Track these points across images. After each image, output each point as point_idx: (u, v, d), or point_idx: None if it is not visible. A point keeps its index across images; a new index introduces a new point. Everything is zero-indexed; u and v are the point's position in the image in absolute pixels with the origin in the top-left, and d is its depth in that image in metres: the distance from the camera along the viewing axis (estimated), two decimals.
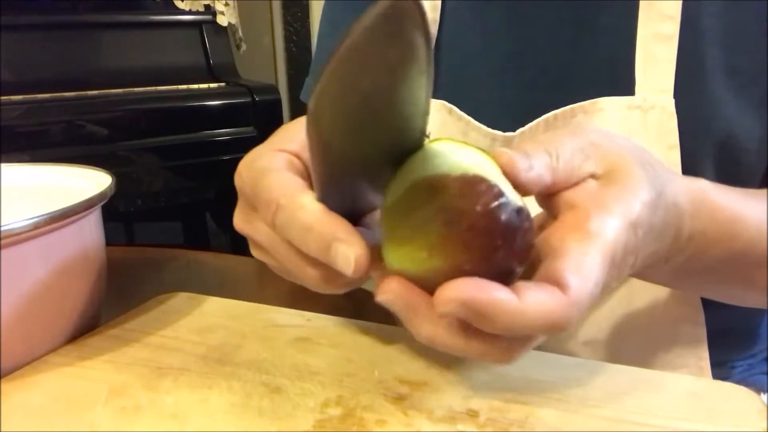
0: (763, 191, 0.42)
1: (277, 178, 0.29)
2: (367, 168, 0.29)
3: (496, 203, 0.25)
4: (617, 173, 0.30)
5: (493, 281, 0.25)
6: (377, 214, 0.32)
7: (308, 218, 0.27)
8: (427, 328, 0.27)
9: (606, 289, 0.28)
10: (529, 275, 0.27)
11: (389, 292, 0.27)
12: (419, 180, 0.27)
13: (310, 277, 0.30)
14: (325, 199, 0.28)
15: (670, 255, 0.35)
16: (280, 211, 0.28)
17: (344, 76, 0.23)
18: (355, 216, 0.29)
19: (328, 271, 0.29)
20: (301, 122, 0.32)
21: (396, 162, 0.29)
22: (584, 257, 0.26)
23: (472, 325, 0.26)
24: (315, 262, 0.29)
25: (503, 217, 0.25)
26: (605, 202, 0.29)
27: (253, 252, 0.34)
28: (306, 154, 0.31)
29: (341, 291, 0.31)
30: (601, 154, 0.31)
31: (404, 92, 0.26)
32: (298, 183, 0.29)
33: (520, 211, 0.26)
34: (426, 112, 0.28)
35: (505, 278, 0.25)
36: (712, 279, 0.42)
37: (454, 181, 0.26)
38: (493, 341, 0.27)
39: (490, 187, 0.25)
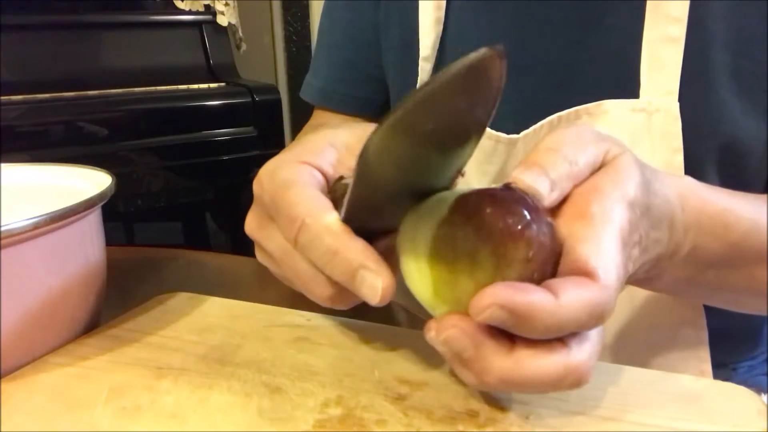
0: (752, 194, 0.42)
1: (301, 194, 0.29)
2: (398, 196, 0.29)
3: (531, 225, 0.25)
4: (610, 162, 0.30)
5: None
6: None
7: (334, 242, 0.27)
8: (500, 363, 0.25)
9: (623, 271, 0.28)
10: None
11: (450, 328, 0.25)
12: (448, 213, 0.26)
13: (321, 295, 0.30)
14: (349, 220, 0.28)
15: (671, 249, 0.35)
16: (305, 230, 0.28)
17: (415, 121, 0.24)
18: (368, 235, 0.29)
19: (341, 290, 0.29)
20: (325, 135, 0.32)
21: (430, 192, 0.29)
22: (599, 240, 0.26)
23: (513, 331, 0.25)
24: (330, 282, 0.29)
25: (541, 238, 0.25)
26: (601, 187, 0.29)
27: (260, 257, 0.34)
28: (329, 169, 0.31)
29: (346, 308, 0.31)
30: (603, 149, 0.31)
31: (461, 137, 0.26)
32: (323, 202, 0.29)
33: (550, 226, 0.26)
34: (471, 154, 0.28)
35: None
36: (714, 281, 0.42)
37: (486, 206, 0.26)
38: (555, 357, 0.25)
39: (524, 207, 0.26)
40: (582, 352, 0.25)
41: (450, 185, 0.30)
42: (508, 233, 0.25)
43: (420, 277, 0.27)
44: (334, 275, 0.28)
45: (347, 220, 0.28)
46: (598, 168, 0.30)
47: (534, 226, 0.25)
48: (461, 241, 0.25)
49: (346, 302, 0.30)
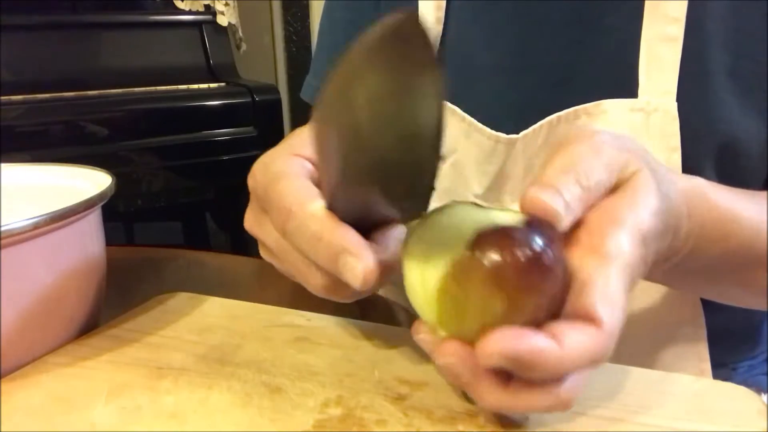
0: (758, 192, 0.42)
1: (290, 185, 0.29)
2: (378, 177, 0.29)
3: (548, 275, 0.25)
4: (628, 182, 0.30)
5: (529, 327, 0.25)
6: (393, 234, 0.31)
7: (318, 227, 0.27)
8: (496, 395, 0.26)
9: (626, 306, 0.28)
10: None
11: (449, 356, 0.26)
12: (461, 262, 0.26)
13: (316, 285, 0.30)
14: (335, 206, 0.28)
15: (669, 254, 0.35)
16: (291, 219, 0.28)
17: (355, 74, 0.24)
18: (365, 226, 0.29)
19: (335, 280, 0.29)
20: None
21: (409, 174, 0.29)
22: (608, 285, 0.26)
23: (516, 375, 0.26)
24: (323, 271, 0.29)
25: (555, 286, 0.26)
26: (617, 217, 0.28)
27: (263, 253, 0.34)
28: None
29: (348, 300, 0.31)
30: (620, 166, 0.30)
31: (414, 103, 0.26)
32: (311, 190, 0.29)
33: (563, 266, 0.26)
34: (440, 132, 0.28)
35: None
36: (708, 278, 0.42)
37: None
38: (548, 391, 0.26)
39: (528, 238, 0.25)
40: (574, 386, 0.26)
41: (436, 148, 0.29)
42: (526, 287, 0.25)
43: (426, 303, 0.27)
44: (319, 261, 0.28)
45: (334, 207, 0.28)
46: (614, 185, 0.30)
47: (551, 277, 0.25)
48: (475, 283, 0.25)
49: (342, 292, 0.30)
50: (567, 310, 0.26)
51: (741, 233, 0.38)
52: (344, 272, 0.27)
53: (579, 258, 0.27)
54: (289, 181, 0.30)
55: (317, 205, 0.28)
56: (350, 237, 0.27)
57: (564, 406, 0.26)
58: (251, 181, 0.32)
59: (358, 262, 0.27)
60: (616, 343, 0.26)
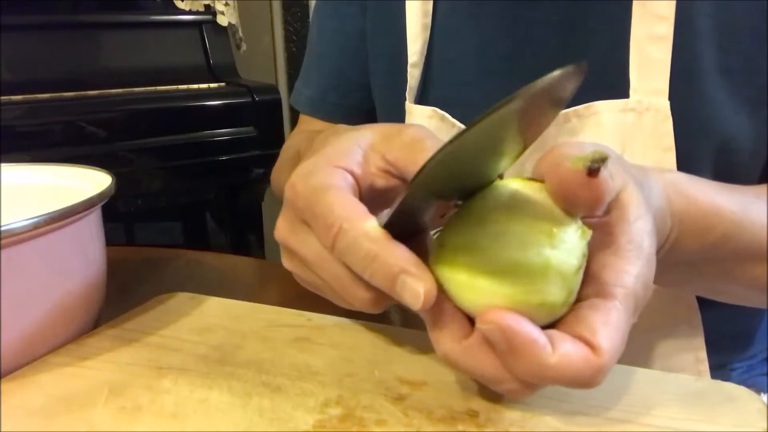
0: (739, 186, 0.42)
1: (338, 199, 0.29)
2: (441, 198, 0.30)
3: None
4: (622, 206, 0.29)
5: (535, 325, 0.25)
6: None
7: (373, 246, 0.27)
8: (448, 345, 0.28)
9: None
10: None
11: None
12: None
13: (358, 298, 0.30)
14: (387, 226, 0.28)
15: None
16: (342, 236, 0.28)
17: (482, 140, 0.24)
18: (401, 236, 0.29)
19: (380, 295, 0.29)
20: (352, 137, 0.32)
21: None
22: (614, 315, 0.26)
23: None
24: (368, 286, 0.29)
25: None
26: (620, 252, 0.28)
27: (288, 264, 0.33)
28: (357, 170, 0.31)
29: (380, 311, 0.31)
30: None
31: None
32: (360, 207, 0.29)
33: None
34: (515, 160, 0.29)
35: None
36: (694, 272, 0.42)
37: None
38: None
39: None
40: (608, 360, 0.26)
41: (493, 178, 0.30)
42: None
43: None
44: (373, 280, 0.28)
45: (386, 227, 0.28)
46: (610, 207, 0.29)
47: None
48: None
49: (382, 306, 0.30)
50: (569, 322, 0.27)
51: (721, 227, 0.38)
52: (403, 293, 0.27)
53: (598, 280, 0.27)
54: (336, 193, 0.29)
55: (371, 223, 0.28)
56: (408, 257, 0.27)
57: (512, 394, 0.28)
58: (290, 191, 0.31)
59: (419, 283, 0.26)
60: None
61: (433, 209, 0.31)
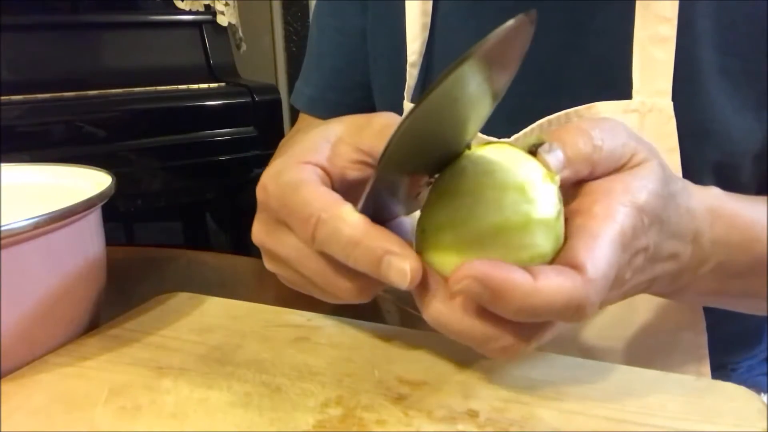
0: (760, 198, 0.42)
1: (311, 191, 0.29)
2: (403, 180, 0.29)
3: None
4: (635, 164, 0.30)
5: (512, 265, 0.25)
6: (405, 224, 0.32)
7: (354, 232, 0.27)
8: (437, 307, 0.27)
9: (621, 278, 0.29)
10: None
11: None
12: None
13: (342, 290, 0.30)
14: (363, 210, 0.28)
15: (695, 263, 0.35)
16: (322, 226, 0.28)
17: (442, 104, 0.24)
18: (377, 221, 0.29)
19: (365, 282, 0.29)
20: (319, 132, 0.32)
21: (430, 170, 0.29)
22: (594, 236, 0.26)
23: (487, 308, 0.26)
24: (351, 275, 0.29)
25: None
26: (611, 189, 0.29)
27: (270, 265, 0.33)
28: (326, 164, 0.31)
29: (368, 300, 0.31)
30: (634, 148, 0.31)
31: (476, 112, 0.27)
32: (335, 195, 0.29)
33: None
34: (485, 119, 0.29)
35: None
36: (742, 288, 0.41)
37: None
38: (506, 326, 0.27)
39: None
40: (537, 333, 0.27)
41: (461, 149, 0.30)
42: None
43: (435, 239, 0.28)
44: (358, 266, 0.28)
45: (363, 211, 0.28)
46: (621, 167, 0.30)
47: None
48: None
49: (369, 295, 0.30)
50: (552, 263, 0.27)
51: (763, 238, 0.38)
52: (389, 273, 0.27)
53: (570, 221, 0.28)
54: (309, 188, 0.29)
55: (347, 208, 0.28)
56: (390, 237, 0.27)
57: (514, 345, 0.27)
58: (261, 193, 0.31)
59: (404, 261, 0.26)
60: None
61: (405, 188, 0.30)
